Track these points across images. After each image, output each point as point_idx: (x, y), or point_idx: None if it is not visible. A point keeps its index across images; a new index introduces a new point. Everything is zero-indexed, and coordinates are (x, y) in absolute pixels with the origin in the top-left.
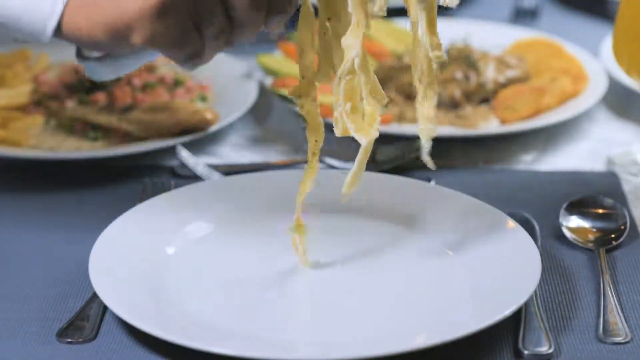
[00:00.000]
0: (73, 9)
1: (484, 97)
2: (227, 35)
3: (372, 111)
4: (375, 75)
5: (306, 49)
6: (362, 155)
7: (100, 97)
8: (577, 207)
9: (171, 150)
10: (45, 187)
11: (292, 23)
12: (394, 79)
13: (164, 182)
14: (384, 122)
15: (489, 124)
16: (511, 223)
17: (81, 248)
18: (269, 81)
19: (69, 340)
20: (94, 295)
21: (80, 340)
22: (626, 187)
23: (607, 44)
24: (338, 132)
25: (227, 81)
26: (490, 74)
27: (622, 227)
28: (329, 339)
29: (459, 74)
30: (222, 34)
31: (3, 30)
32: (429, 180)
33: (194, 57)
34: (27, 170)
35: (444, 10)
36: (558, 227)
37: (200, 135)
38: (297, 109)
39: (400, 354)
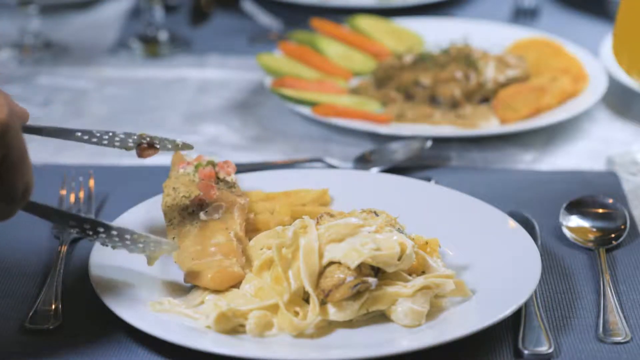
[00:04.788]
0: None
1: (484, 96)
2: None
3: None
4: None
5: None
6: None
7: None
8: (577, 207)
9: None
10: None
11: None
12: (394, 79)
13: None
14: (384, 121)
15: (489, 124)
16: (511, 223)
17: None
18: (268, 81)
19: (38, 328)
20: (49, 284)
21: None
22: (626, 187)
23: (607, 44)
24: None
25: None
26: (490, 73)
27: (622, 227)
28: (329, 339)
29: (459, 74)
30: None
31: None
32: (429, 180)
33: None
34: None
35: (444, 10)
36: (558, 227)
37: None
38: None
39: (401, 354)
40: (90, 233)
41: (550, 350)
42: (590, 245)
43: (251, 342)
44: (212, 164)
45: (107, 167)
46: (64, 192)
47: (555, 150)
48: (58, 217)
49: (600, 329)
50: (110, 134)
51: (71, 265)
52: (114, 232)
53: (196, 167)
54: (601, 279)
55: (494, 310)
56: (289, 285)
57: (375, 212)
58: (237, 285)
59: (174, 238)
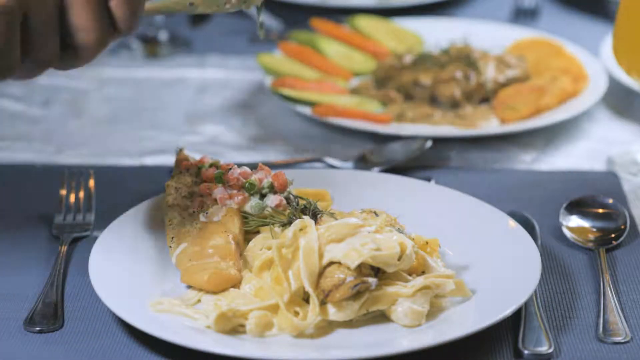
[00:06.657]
0: None
1: (484, 96)
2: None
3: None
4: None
5: None
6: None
7: None
8: (577, 207)
9: None
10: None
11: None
12: (394, 79)
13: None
14: (384, 121)
15: (489, 124)
16: (511, 223)
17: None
18: (268, 81)
19: (38, 329)
20: (49, 284)
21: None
22: (626, 187)
23: (607, 44)
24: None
25: None
26: (490, 73)
27: (622, 227)
28: (329, 339)
29: (459, 74)
30: (44, 63)
31: None
32: (429, 180)
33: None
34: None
35: (444, 10)
36: (558, 227)
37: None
38: None
39: (401, 354)
40: None
41: (550, 350)
42: (590, 245)
43: (251, 342)
44: (216, 165)
45: (107, 167)
46: (64, 192)
47: (555, 150)
48: None
49: (600, 329)
50: None
51: (71, 265)
52: None
53: (199, 168)
54: (601, 279)
55: (494, 310)
56: (289, 286)
57: (375, 212)
58: (236, 286)
59: (172, 238)
